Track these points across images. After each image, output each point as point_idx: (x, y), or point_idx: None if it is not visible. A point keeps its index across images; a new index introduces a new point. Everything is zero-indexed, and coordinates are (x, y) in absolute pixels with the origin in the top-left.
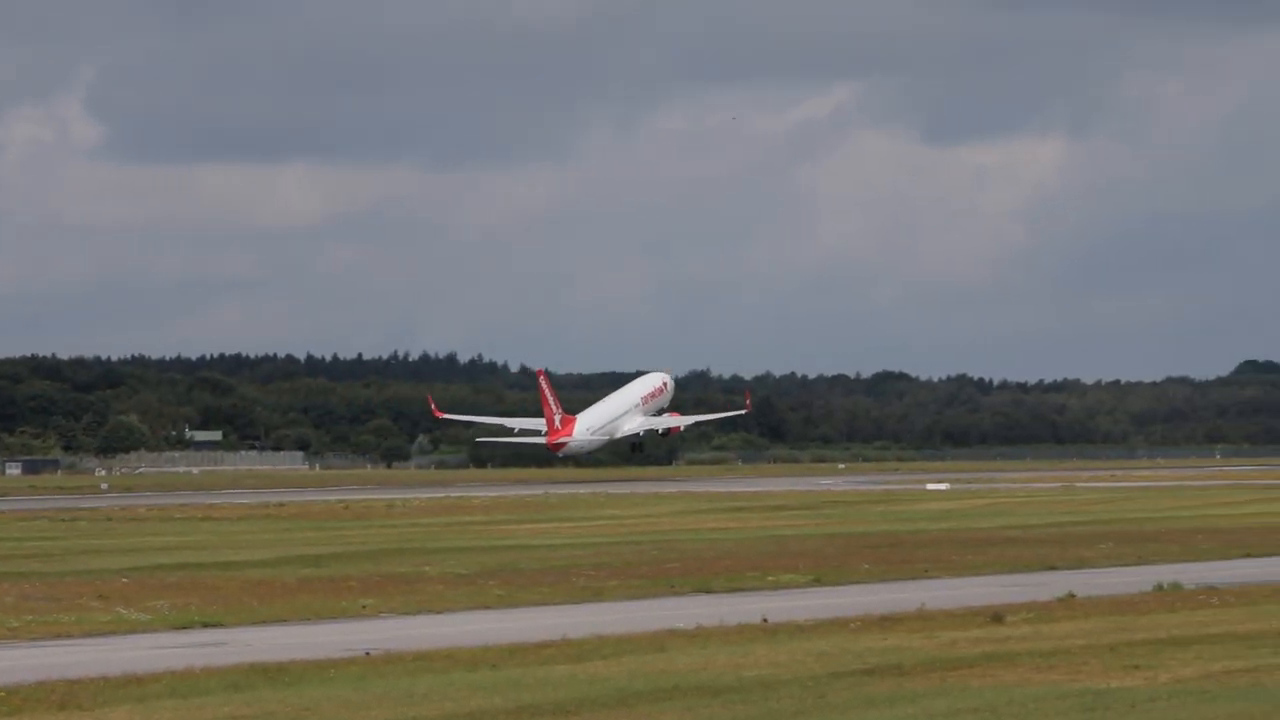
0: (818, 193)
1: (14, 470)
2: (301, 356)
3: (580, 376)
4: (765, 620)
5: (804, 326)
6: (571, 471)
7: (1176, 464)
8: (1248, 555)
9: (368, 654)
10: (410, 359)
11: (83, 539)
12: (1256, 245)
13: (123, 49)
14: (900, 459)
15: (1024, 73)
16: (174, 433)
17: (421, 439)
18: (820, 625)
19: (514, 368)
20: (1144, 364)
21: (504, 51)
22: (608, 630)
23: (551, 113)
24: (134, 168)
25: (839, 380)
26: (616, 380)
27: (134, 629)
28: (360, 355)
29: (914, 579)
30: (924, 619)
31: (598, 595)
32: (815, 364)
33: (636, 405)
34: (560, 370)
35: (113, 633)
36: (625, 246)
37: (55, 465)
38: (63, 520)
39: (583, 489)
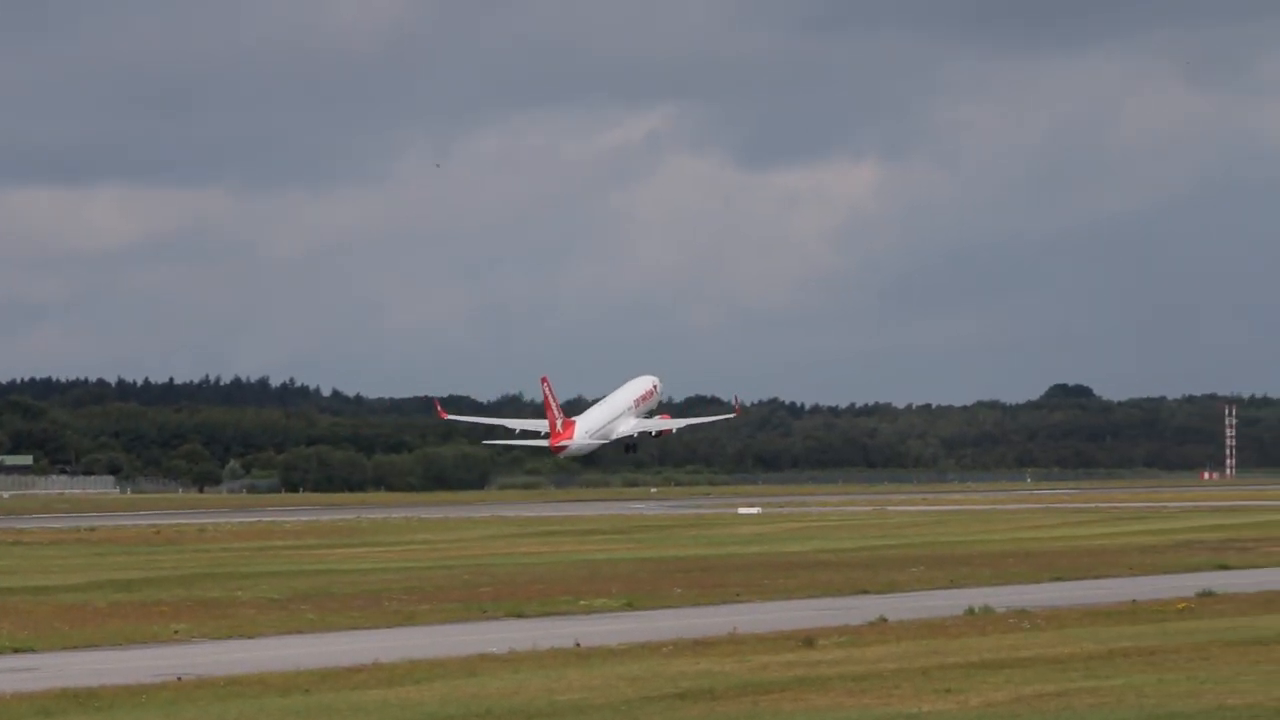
0: (632, 216)
1: None
2: (113, 380)
3: (393, 401)
4: (578, 644)
5: (618, 350)
6: (383, 496)
7: (987, 487)
8: (1058, 579)
9: (179, 679)
10: (222, 383)
11: None
12: (1066, 269)
13: None
14: (712, 483)
15: (837, 97)
16: None
17: (233, 463)
18: (632, 649)
19: (326, 392)
20: (955, 388)
21: (318, 74)
22: (420, 655)
23: (366, 135)
24: None
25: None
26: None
27: None
28: (172, 379)
29: (726, 603)
30: (736, 643)
31: (410, 619)
32: None
33: (630, 408)
34: (373, 395)
35: None
36: (440, 270)
37: None
38: None
39: (395, 513)
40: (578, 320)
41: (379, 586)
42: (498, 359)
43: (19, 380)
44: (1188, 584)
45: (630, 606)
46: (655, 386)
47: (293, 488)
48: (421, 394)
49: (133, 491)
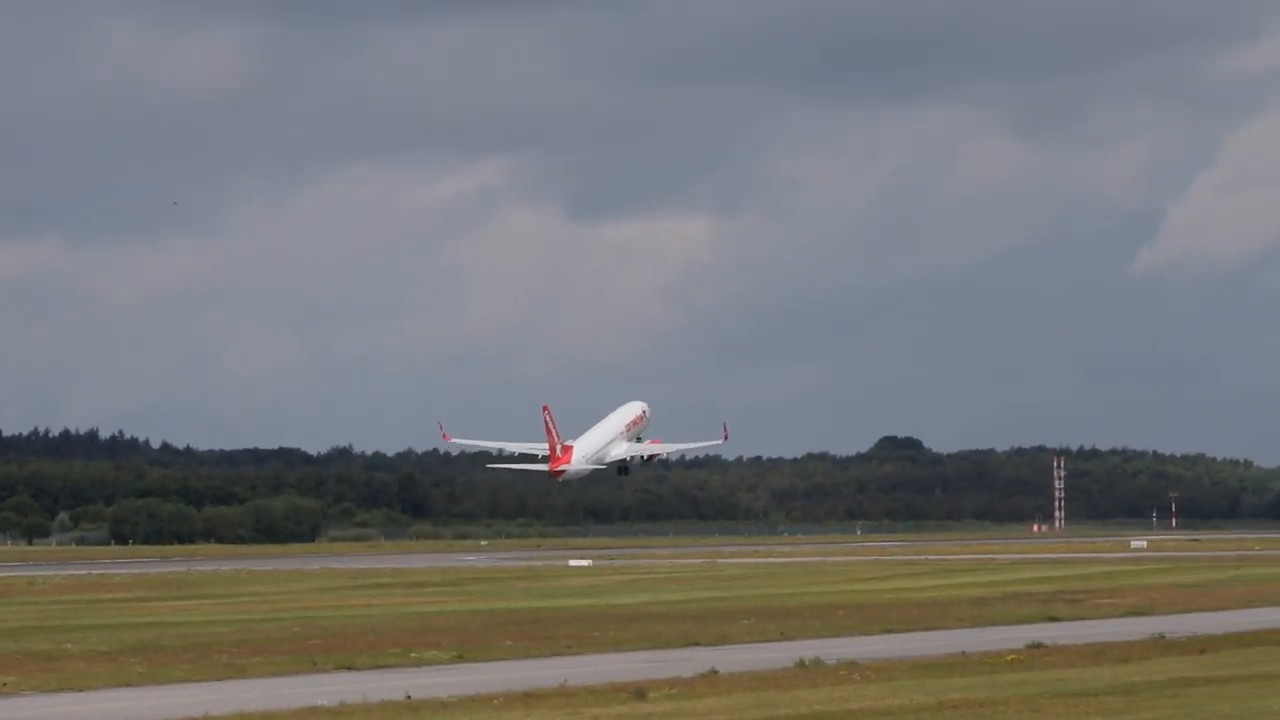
0: (464, 269)
1: None
2: None
3: (223, 453)
4: (408, 697)
5: (449, 402)
6: (213, 548)
7: (818, 540)
8: (888, 631)
9: None
10: (51, 435)
11: None
12: (896, 322)
13: None
14: (543, 535)
15: (670, 149)
16: None
17: (62, 516)
18: (463, 702)
19: (156, 444)
20: (785, 440)
21: (153, 124)
22: (250, 707)
23: (200, 187)
24: None
25: (482, 456)
26: (260, 456)
27: None
28: (0, 431)
29: (557, 655)
30: (566, 695)
31: (240, 672)
32: None
33: (622, 433)
34: (203, 446)
35: None
36: (273, 321)
37: None
38: None
39: (225, 566)
40: (410, 372)
41: (209, 639)
42: (329, 410)
43: None
44: (1017, 636)
45: (461, 659)
46: (645, 412)
47: (122, 540)
48: (252, 446)
49: None
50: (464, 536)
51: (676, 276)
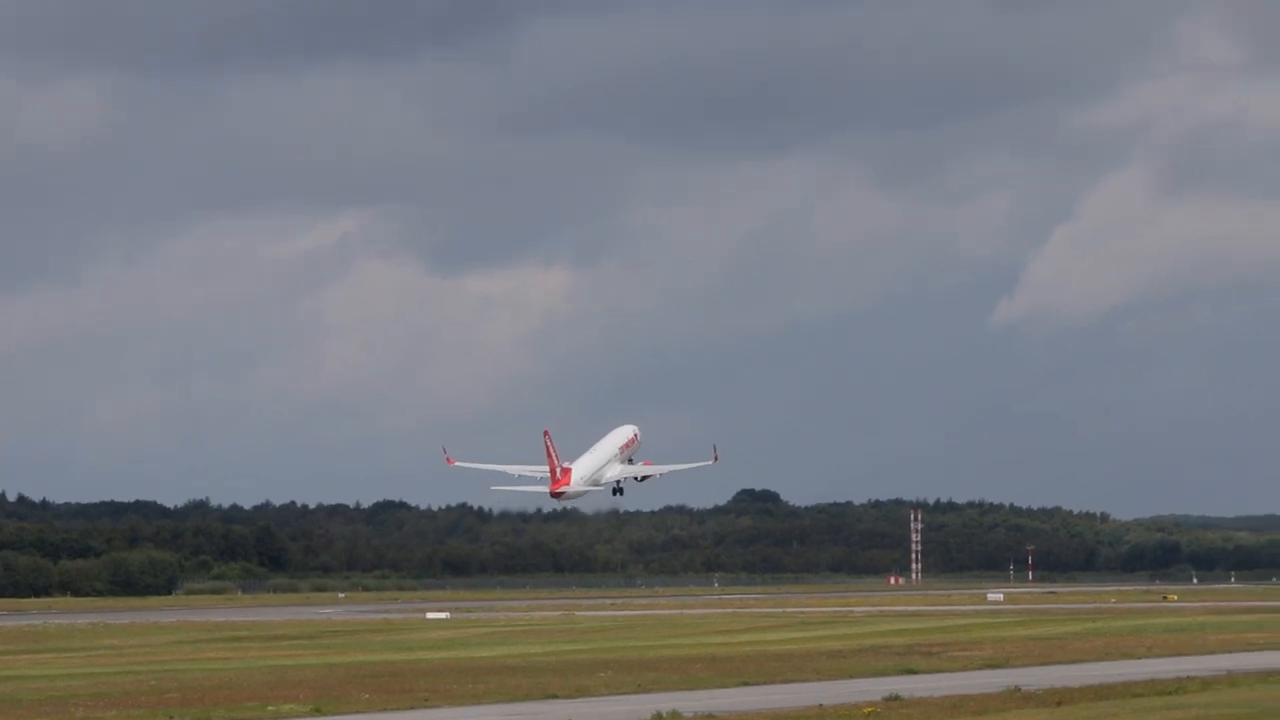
0: (325, 321)
1: None
2: None
3: (80, 505)
4: None
5: (305, 454)
6: (69, 601)
7: (676, 592)
8: (745, 683)
9: None
10: None
11: None
12: (755, 374)
13: None
14: (401, 588)
15: (530, 201)
16: None
17: None
18: None
19: (12, 496)
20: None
21: (11, 175)
22: None
23: (60, 238)
24: None
25: (339, 509)
26: (117, 509)
27: None
28: None
29: (414, 708)
30: None
31: None
32: (316, 493)
33: (615, 455)
34: (59, 499)
35: None
36: (130, 373)
37: None
38: None
39: (81, 619)
40: (269, 424)
41: (65, 693)
42: (187, 463)
43: None
44: (874, 688)
45: (318, 712)
46: (636, 435)
47: None
48: (109, 498)
49: None
50: (321, 589)
51: (537, 327)
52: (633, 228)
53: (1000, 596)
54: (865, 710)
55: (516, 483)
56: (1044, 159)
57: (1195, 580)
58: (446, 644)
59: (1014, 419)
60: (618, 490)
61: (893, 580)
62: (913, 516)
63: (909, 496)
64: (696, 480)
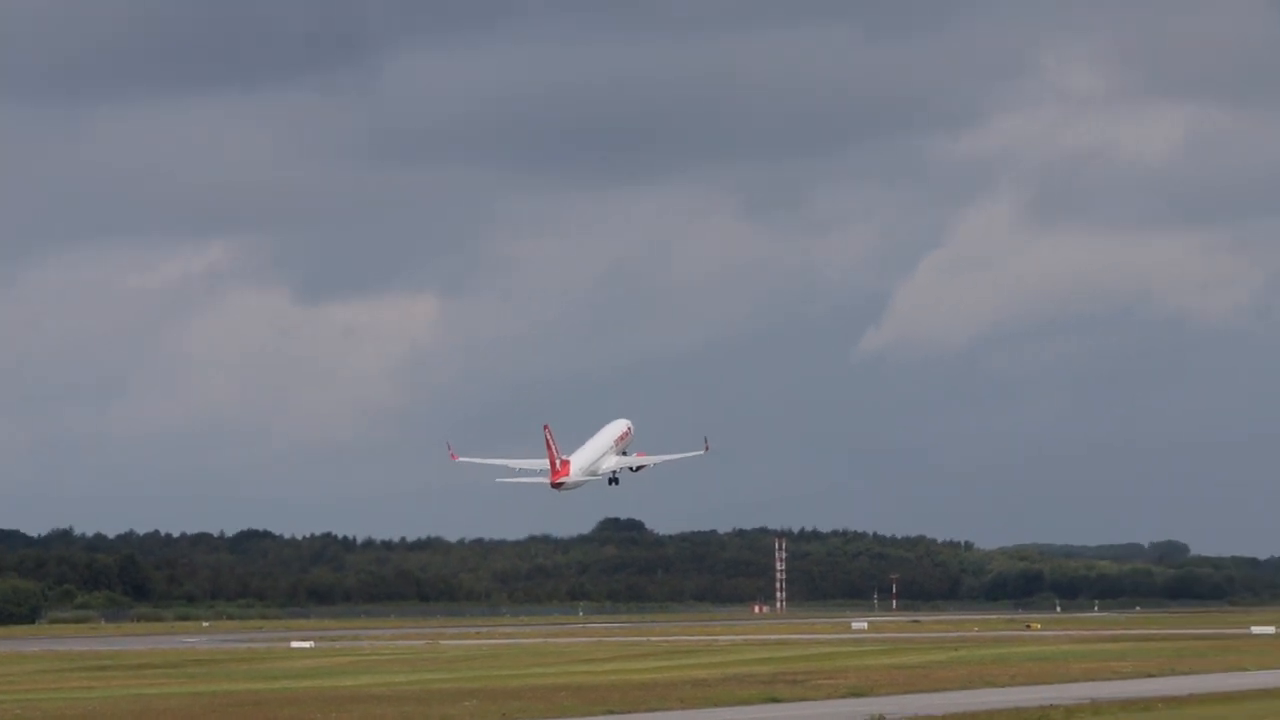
0: (190, 350)
1: None
2: None
3: None
4: None
5: (170, 483)
6: None
7: (541, 621)
8: (610, 712)
9: None
10: None
11: None
12: (621, 402)
13: None
14: (265, 617)
15: (397, 230)
16: None
17: None
18: None
19: None
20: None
21: None
22: None
23: None
24: None
25: (203, 538)
26: None
27: None
28: None
29: None
30: None
31: None
32: (180, 521)
33: (611, 447)
34: None
35: None
36: None
37: None
38: None
39: None
40: (134, 453)
41: None
42: (51, 491)
43: None
44: (739, 717)
45: None
46: (629, 428)
47: None
48: None
49: None
50: (186, 618)
51: (403, 357)
52: (499, 257)
53: (864, 625)
54: None
55: (518, 475)
56: (911, 189)
57: (1058, 609)
58: (311, 673)
59: (879, 448)
60: (613, 480)
61: (757, 609)
62: (777, 545)
63: (774, 525)
64: (561, 509)
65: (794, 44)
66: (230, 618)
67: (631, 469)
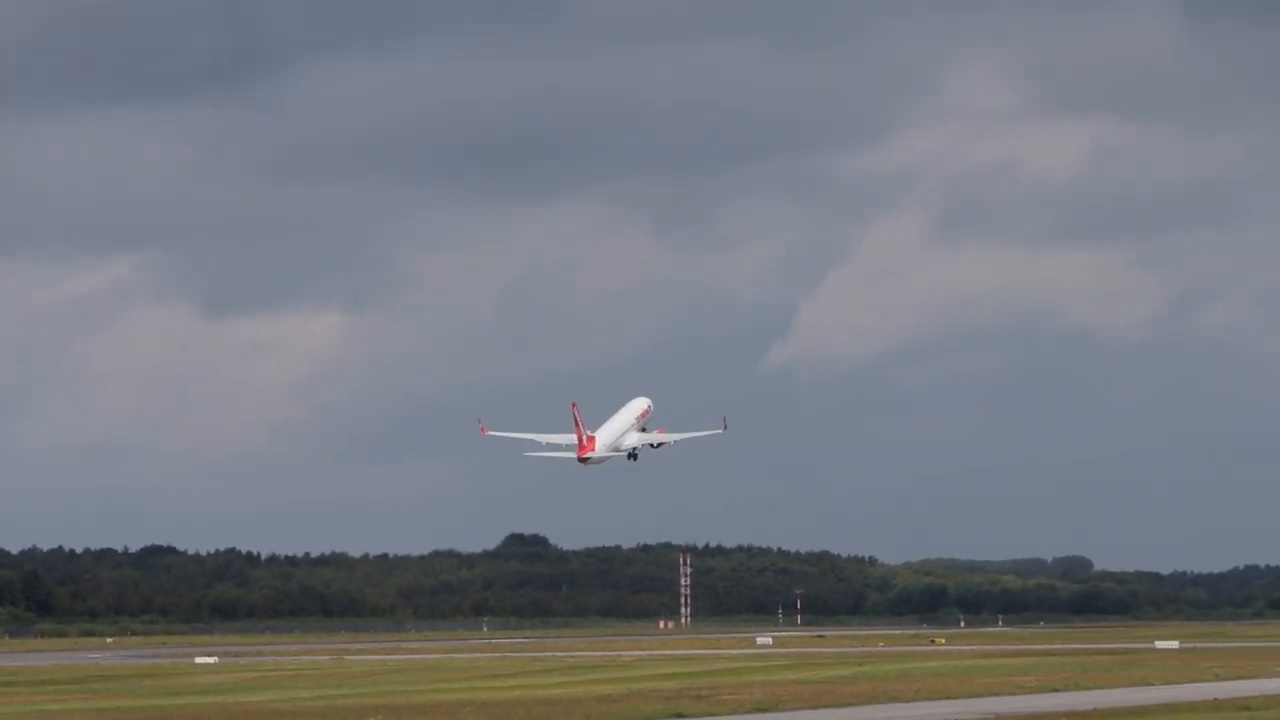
0: (94, 365)
1: None
2: None
3: None
4: None
5: (73, 499)
6: None
7: (445, 636)
8: None
9: None
10: None
11: None
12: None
13: None
14: (169, 633)
15: (303, 246)
16: None
17: None
18: None
19: None
20: (412, 537)
21: None
22: None
23: None
24: None
25: (107, 554)
26: None
27: None
28: None
29: None
30: None
31: None
32: (84, 537)
33: (632, 425)
34: None
35: None
36: None
37: None
38: None
39: None
40: (36, 468)
41: None
42: None
43: None
44: None
45: None
46: (649, 407)
47: None
48: None
49: None
50: (90, 634)
51: (307, 373)
52: (403, 273)
53: (769, 640)
54: None
55: (546, 450)
56: (818, 204)
57: (962, 624)
58: (215, 689)
59: (784, 463)
60: (633, 456)
61: (661, 624)
62: (681, 560)
63: (678, 540)
64: (466, 524)
65: (700, 59)
66: (134, 634)
67: (652, 445)
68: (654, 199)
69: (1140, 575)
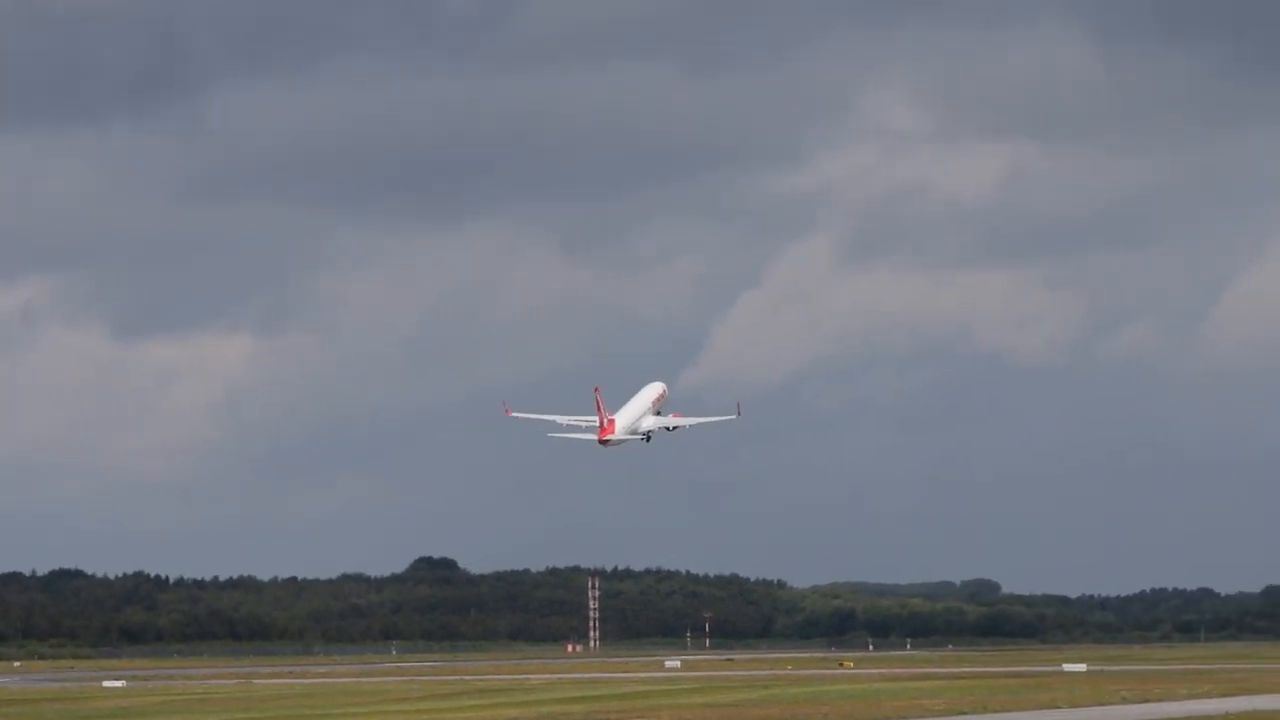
0: (5, 387)
1: None
2: None
3: None
4: None
5: None
6: None
7: (354, 660)
8: None
9: None
10: None
11: None
12: (435, 442)
13: None
14: (77, 656)
15: (218, 268)
16: None
17: None
18: None
19: None
20: (321, 561)
21: None
22: None
23: None
24: None
25: (14, 577)
26: None
27: None
28: None
29: None
30: None
31: None
32: None
33: (649, 408)
34: None
35: None
36: None
37: None
38: None
39: None
40: None
41: None
42: None
43: None
44: None
45: None
46: (664, 391)
47: None
48: None
49: None
50: None
51: (220, 395)
52: (320, 294)
53: (678, 664)
54: None
55: (566, 431)
56: (731, 226)
57: (871, 647)
58: (122, 713)
59: (693, 485)
60: (647, 438)
61: (570, 648)
62: (590, 584)
63: (586, 563)
64: (375, 548)
65: (617, 81)
66: (42, 657)
67: (668, 429)
68: (568, 221)
69: (1048, 598)
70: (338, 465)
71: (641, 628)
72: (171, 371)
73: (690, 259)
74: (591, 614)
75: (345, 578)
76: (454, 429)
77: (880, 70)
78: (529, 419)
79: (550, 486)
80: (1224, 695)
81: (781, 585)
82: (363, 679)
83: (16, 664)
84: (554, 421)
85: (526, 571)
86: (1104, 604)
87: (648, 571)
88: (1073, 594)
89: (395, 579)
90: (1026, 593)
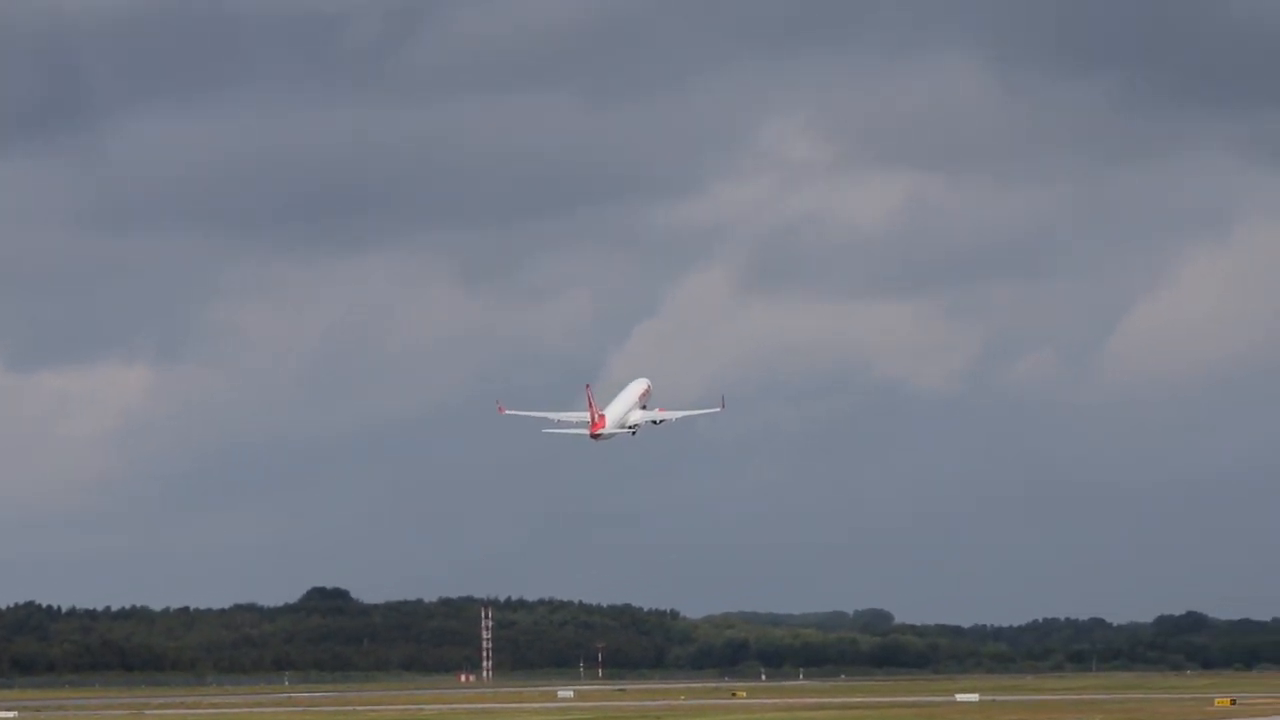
0: None
1: None
2: None
3: None
4: None
5: None
6: None
7: (247, 691)
8: None
9: None
10: None
11: None
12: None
13: None
14: None
15: (113, 298)
16: None
17: None
18: None
19: None
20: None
21: None
22: None
23: None
24: None
25: None
26: None
27: None
28: None
29: None
30: None
31: None
32: None
33: (635, 403)
34: None
35: None
36: None
37: None
38: None
39: None
40: None
41: None
42: None
43: None
44: None
45: None
46: (649, 386)
47: None
48: None
49: None
50: None
51: (116, 425)
52: (217, 325)
53: (571, 694)
54: None
55: (559, 427)
56: (627, 256)
57: (764, 677)
58: None
59: (586, 516)
60: (634, 431)
61: (463, 678)
62: (483, 614)
63: (479, 593)
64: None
65: (515, 110)
66: None
67: (654, 422)
68: (465, 250)
69: (941, 628)
70: (231, 495)
71: (535, 658)
72: (65, 401)
73: (588, 289)
74: (485, 644)
75: (238, 608)
76: (347, 459)
77: (777, 100)
78: (523, 416)
79: (444, 518)
80: None
81: (675, 615)
82: (255, 710)
83: None
84: (547, 418)
85: (420, 601)
86: (997, 634)
87: (541, 602)
88: (965, 624)
89: (288, 609)
90: (919, 623)
